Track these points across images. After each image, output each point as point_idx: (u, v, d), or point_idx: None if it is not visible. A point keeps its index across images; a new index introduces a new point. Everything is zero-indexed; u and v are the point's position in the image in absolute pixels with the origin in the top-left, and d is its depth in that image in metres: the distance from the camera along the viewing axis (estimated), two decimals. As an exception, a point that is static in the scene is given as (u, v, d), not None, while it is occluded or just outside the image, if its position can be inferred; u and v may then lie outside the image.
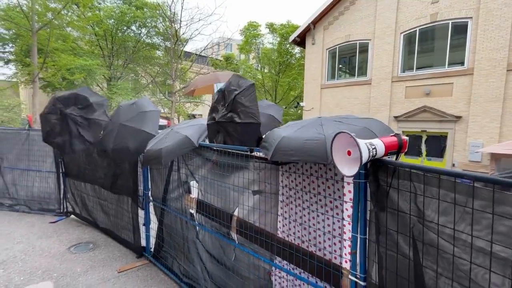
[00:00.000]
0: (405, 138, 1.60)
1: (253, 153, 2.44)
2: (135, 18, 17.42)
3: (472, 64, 9.37)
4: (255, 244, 2.41)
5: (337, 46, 13.14)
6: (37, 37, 12.14)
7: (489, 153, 8.76)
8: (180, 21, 17.54)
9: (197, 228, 3.25)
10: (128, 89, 17.81)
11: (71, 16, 14.28)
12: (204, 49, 20.65)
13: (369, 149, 1.47)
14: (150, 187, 4.14)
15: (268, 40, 22.80)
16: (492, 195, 1.09)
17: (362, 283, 1.67)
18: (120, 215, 4.62)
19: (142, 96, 14.35)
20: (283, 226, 2.36)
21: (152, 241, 4.21)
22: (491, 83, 8.96)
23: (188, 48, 26.49)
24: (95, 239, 4.90)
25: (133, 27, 18.71)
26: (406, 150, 1.58)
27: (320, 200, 2.04)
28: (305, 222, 2.16)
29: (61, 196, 5.99)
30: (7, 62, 14.53)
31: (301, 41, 14.82)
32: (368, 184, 1.65)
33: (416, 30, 10.69)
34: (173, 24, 17.35)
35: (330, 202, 1.99)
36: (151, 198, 4.14)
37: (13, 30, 12.77)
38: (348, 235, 1.80)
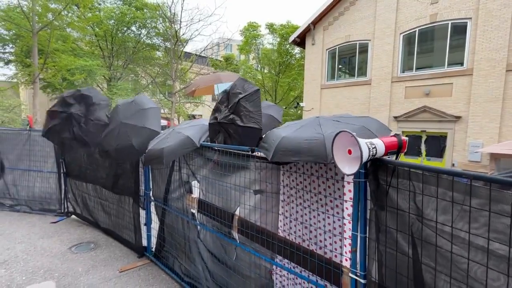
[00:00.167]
0: (405, 138, 1.62)
1: (254, 153, 2.47)
2: (135, 18, 17.46)
3: (471, 64, 9.40)
4: (256, 243, 2.44)
5: (337, 47, 13.17)
6: (38, 38, 12.17)
7: (489, 153, 8.79)
8: (180, 21, 17.58)
9: (199, 227, 3.27)
10: (128, 90, 17.85)
11: (71, 17, 14.31)
12: (204, 50, 20.68)
13: (369, 148, 1.50)
14: (151, 187, 4.16)
15: (268, 41, 22.86)
16: (489, 194, 1.11)
17: (362, 280, 1.69)
18: (121, 215, 4.64)
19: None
20: (284, 225, 2.38)
21: (153, 241, 4.22)
22: (490, 83, 8.99)
23: (188, 48, 26.54)
24: (96, 239, 4.92)
25: (133, 28, 18.76)
26: (405, 150, 1.61)
27: (321, 199, 2.06)
28: (306, 221, 2.18)
29: (62, 196, 6.01)
30: (7, 62, 14.56)
31: (301, 42, 14.86)
32: (368, 183, 1.67)
33: (415, 30, 10.73)
34: (173, 24, 17.38)
35: (331, 201, 2.02)
36: (152, 198, 4.16)
37: (13, 31, 12.80)
38: (348, 233, 1.82)
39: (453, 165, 9.75)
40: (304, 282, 2.23)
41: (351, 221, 1.76)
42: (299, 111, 19.22)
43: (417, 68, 10.85)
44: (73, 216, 5.94)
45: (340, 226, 1.96)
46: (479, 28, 9.15)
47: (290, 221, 2.32)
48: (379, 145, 1.54)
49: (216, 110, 3.07)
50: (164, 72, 19.70)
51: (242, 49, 23.34)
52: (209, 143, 3.11)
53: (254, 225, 2.44)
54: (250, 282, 2.53)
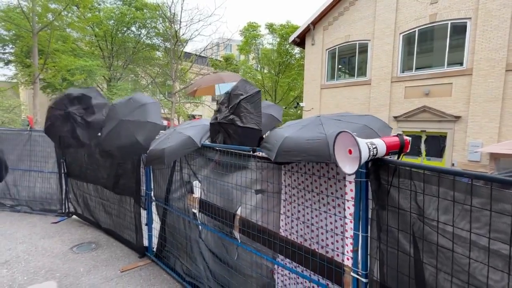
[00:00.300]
0: (408, 138, 1.63)
1: (255, 153, 2.48)
2: (135, 19, 17.46)
3: (471, 64, 9.42)
4: (257, 243, 2.45)
5: (337, 47, 13.19)
6: (38, 38, 12.17)
7: (488, 152, 8.81)
8: (180, 22, 17.59)
9: (200, 227, 3.28)
10: (128, 90, 17.85)
11: (71, 17, 14.32)
12: (204, 50, 20.69)
13: (369, 149, 1.51)
14: (152, 187, 4.17)
15: (268, 41, 22.87)
16: (490, 193, 1.13)
17: (364, 279, 1.71)
18: (122, 215, 4.65)
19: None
20: (286, 224, 2.40)
21: (155, 241, 4.24)
22: (490, 83, 9.01)
23: (188, 48, 26.54)
24: (97, 239, 4.92)
25: (133, 28, 18.76)
26: (408, 150, 1.62)
27: (323, 198, 2.07)
28: (307, 220, 2.19)
29: (63, 196, 6.02)
30: (7, 63, 14.56)
31: (300, 42, 14.87)
32: (369, 183, 1.68)
33: (415, 30, 10.75)
34: (173, 25, 17.39)
35: (332, 200, 2.03)
36: (153, 198, 4.17)
37: (13, 31, 12.80)
38: (350, 233, 1.83)
39: (452, 164, 9.77)
40: (305, 282, 2.24)
41: (352, 221, 1.77)
42: (299, 111, 19.23)
43: (417, 68, 10.87)
44: (74, 216, 5.94)
45: (341, 225, 1.97)
46: (479, 28, 9.17)
47: (292, 221, 2.33)
48: (380, 145, 1.56)
49: (218, 110, 3.09)
50: (164, 72, 19.72)
51: (242, 49, 23.35)
52: (210, 143, 3.13)
53: (256, 225, 2.45)
54: (252, 281, 2.54)
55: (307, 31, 14.12)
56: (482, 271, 1.19)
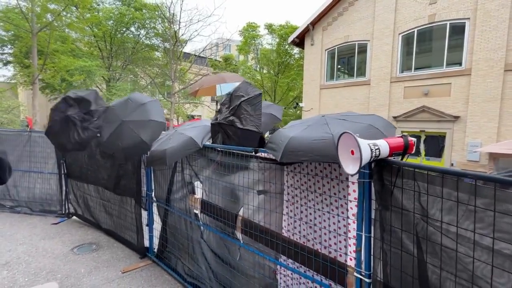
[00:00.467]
0: (413, 139, 1.63)
1: (257, 154, 2.49)
2: (134, 19, 17.44)
3: (469, 64, 9.46)
4: (260, 243, 2.45)
5: (336, 47, 13.22)
6: (37, 39, 12.14)
7: (487, 152, 8.84)
8: (179, 22, 17.58)
9: (202, 228, 3.29)
10: (127, 90, 17.82)
11: (70, 18, 14.28)
12: (203, 50, 20.69)
13: (371, 150, 1.52)
14: (153, 188, 4.17)
15: (267, 41, 22.88)
16: (494, 193, 1.14)
17: (367, 280, 1.71)
18: (123, 216, 4.65)
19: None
20: (288, 225, 2.40)
21: (155, 241, 4.24)
22: (488, 83, 9.04)
23: (187, 49, 26.53)
24: (98, 240, 4.92)
25: (132, 28, 18.74)
26: (413, 152, 1.62)
27: (325, 199, 2.08)
28: (310, 221, 2.20)
29: (63, 197, 6.01)
30: (6, 63, 14.52)
31: (300, 42, 14.89)
32: (372, 184, 1.69)
33: (414, 31, 10.78)
34: (172, 25, 17.38)
35: (335, 201, 2.04)
36: (154, 199, 4.17)
37: (12, 32, 12.76)
38: (352, 233, 1.84)
39: (452, 164, 9.80)
40: (308, 282, 2.25)
41: (355, 221, 1.78)
42: (298, 111, 19.25)
43: (416, 68, 10.90)
44: (74, 217, 5.93)
45: (344, 226, 1.98)
46: (477, 28, 9.21)
47: (295, 221, 2.34)
48: (383, 146, 1.57)
49: (219, 111, 3.11)
50: (163, 73, 19.70)
51: (241, 50, 23.37)
52: (212, 144, 3.13)
53: (258, 226, 2.45)
54: (254, 282, 2.55)
55: (306, 32, 14.14)
56: (484, 270, 1.20)
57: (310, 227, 2.21)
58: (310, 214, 2.20)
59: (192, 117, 23.14)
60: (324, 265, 1.99)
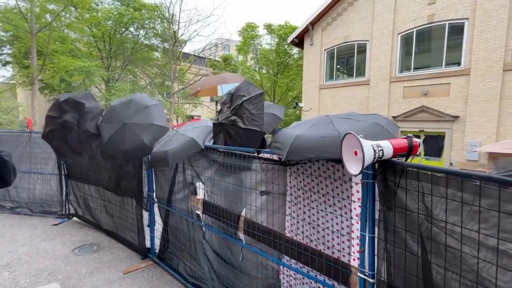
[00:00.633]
0: (417, 140, 1.64)
1: (260, 154, 2.49)
2: (133, 19, 17.40)
3: (468, 64, 9.50)
4: (262, 244, 2.46)
5: (335, 47, 13.24)
6: (36, 39, 12.10)
7: (487, 152, 8.88)
8: (179, 22, 17.53)
9: (204, 228, 3.29)
10: (126, 91, 17.79)
11: (69, 18, 14.25)
12: (202, 50, 20.67)
13: (374, 151, 1.53)
14: (154, 188, 4.17)
15: (266, 41, 22.87)
16: (499, 194, 1.15)
17: (371, 280, 1.72)
18: (124, 216, 4.65)
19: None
20: (291, 225, 2.41)
21: (157, 242, 4.23)
22: (487, 83, 9.08)
23: (187, 49, 26.48)
24: (99, 241, 4.91)
25: (131, 29, 18.70)
26: (418, 153, 1.63)
27: (329, 199, 2.09)
28: (313, 221, 2.21)
29: (63, 198, 6.00)
30: (5, 64, 14.47)
31: (299, 42, 14.91)
32: (376, 184, 1.70)
33: (413, 31, 10.81)
34: (171, 25, 17.35)
35: (339, 201, 2.04)
36: (155, 200, 4.17)
37: (11, 32, 12.72)
38: (356, 234, 1.85)
39: (451, 164, 9.84)
40: (311, 282, 2.26)
41: (359, 221, 1.79)
42: (297, 111, 19.26)
43: (415, 68, 10.93)
44: (75, 218, 5.92)
45: (348, 226, 1.99)
46: (476, 28, 9.24)
47: (298, 222, 2.34)
48: (387, 147, 1.57)
49: (220, 110, 3.11)
50: (163, 73, 19.67)
51: (240, 50, 23.36)
52: (213, 145, 3.14)
53: (261, 226, 2.46)
54: (257, 282, 2.55)
55: (305, 32, 14.16)
56: (490, 270, 1.21)
57: (313, 227, 2.21)
58: (313, 214, 2.20)
59: (192, 117, 23.13)
60: (328, 265, 1.99)
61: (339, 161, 1.82)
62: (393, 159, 1.59)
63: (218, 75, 8.18)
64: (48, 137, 4.38)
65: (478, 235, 1.23)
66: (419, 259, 1.49)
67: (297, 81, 21.13)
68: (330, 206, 2.09)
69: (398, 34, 11.15)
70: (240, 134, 2.82)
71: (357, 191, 1.85)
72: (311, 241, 2.24)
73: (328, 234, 2.11)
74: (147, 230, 4.30)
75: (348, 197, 1.98)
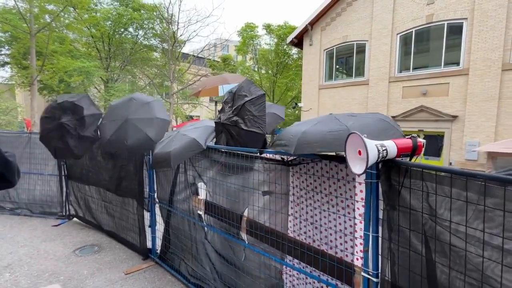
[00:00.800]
0: (422, 140, 1.65)
1: (262, 155, 2.50)
2: (132, 20, 17.38)
3: (467, 64, 9.53)
4: (265, 244, 2.47)
5: (335, 47, 13.26)
6: (35, 40, 12.07)
7: (486, 151, 8.91)
8: (178, 22, 17.51)
9: (206, 229, 3.29)
10: (125, 91, 17.75)
11: (68, 18, 14.22)
12: (201, 51, 20.66)
13: (378, 150, 1.53)
14: (155, 189, 4.17)
15: (265, 41, 22.87)
16: (504, 193, 1.16)
17: (374, 279, 1.73)
18: (125, 217, 4.64)
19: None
20: (294, 225, 2.42)
21: (158, 242, 4.23)
22: (486, 83, 9.12)
23: (186, 49, 26.48)
24: (100, 242, 4.91)
25: (130, 29, 18.68)
26: (422, 153, 1.64)
27: (331, 199, 2.10)
28: (316, 221, 2.22)
29: (64, 199, 5.98)
30: (3, 64, 14.42)
31: (298, 42, 14.92)
32: (380, 184, 1.71)
33: (412, 31, 10.84)
34: (170, 25, 17.33)
35: (342, 201, 2.05)
36: (157, 200, 4.16)
37: (10, 32, 12.67)
38: (360, 233, 1.86)
39: (450, 163, 9.87)
40: (314, 282, 2.26)
41: (362, 221, 1.80)
42: (296, 112, 19.28)
43: (414, 68, 10.96)
44: (75, 219, 5.91)
45: (351, 226, 2.00)
46: (475, 28, 9.28)
47: (300, 222, 2.35)
48: (391, 147, 1.58)
49: (221, 110, 3.11)
50: (162, 73, 19.65)
51: (239, 50, 23.35)
52: (215, 145, 3.14)
53: (263, 226, 2.47)
54: (260, 282, 2.56)
55: (305, 32, 14.17)
56: (495, 269, 1.22)
57: (316, 227, 2.22)
58: (316, 214, 2.21)
59: (191, 117, 23.11)
60: (331, 265, 2.00)
61: (342, 160, 1.83)
62: (397, 158, 1.60)
63: (219, 75, 8.17)
64: (45, 139, 4.36)
65: (483, 234, 1.24)
66: (423, 258, 1.50)
67: (296, 81, 21.15)
68: (333, 206, 2.09)
69: (397, 34, 11.18)
70: (241, 135, 2.82)
71: (361, 191, 1.86)
72: (314, 241, 2.25)
73: (331, 234, 2.11)
74: (148, 230, 4.30)
75: (351, 197, 1.99)
